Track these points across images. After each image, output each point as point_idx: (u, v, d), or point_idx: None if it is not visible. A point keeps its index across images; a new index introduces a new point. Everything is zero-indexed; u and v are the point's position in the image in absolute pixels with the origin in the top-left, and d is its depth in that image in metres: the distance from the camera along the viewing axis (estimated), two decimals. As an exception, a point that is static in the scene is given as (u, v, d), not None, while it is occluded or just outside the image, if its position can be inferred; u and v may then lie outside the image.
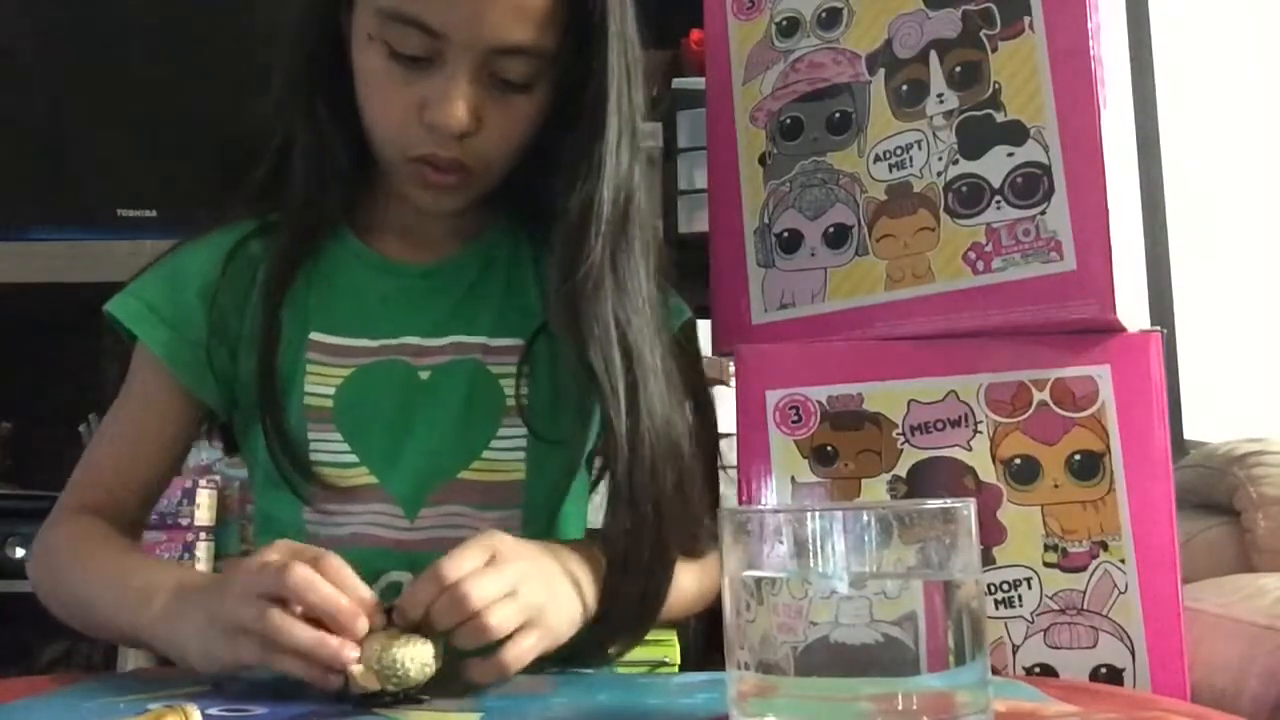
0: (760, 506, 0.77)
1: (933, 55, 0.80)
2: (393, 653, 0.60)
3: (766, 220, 0.84)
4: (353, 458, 0.80)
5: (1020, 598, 0.74)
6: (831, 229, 0.82)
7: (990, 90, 0.77)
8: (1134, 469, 0.73)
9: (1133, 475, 0.73)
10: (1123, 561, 0.73)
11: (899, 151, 0.80)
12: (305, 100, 0.81)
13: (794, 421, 0.79)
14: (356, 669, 0.60)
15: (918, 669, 0.47)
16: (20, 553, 1.60)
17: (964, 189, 0.78)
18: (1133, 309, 0.77)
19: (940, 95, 0.79)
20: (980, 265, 0.77)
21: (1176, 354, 1.85)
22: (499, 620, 0.63)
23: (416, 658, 0.60)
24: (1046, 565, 0.74)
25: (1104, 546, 0.73)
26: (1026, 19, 0.77)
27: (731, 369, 0.85)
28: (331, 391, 0.81)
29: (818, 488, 0.78)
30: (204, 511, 1.58)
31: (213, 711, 0.57)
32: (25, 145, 1.75)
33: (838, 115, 0.83)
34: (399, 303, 0.83)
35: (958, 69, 0.79)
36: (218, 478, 1.62)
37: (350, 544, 0.77)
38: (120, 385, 0.84)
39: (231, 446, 0.90)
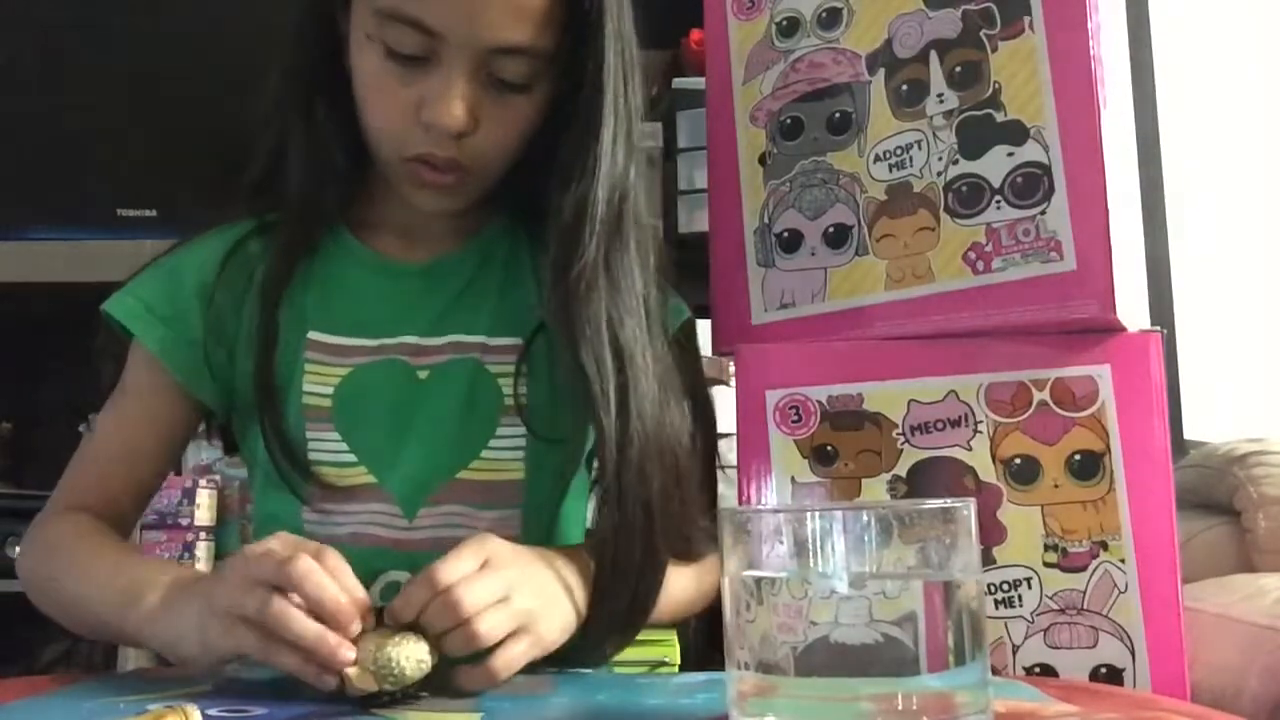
0: (760, 506, 0.77)
1: (933, 55, 0.80)
2: (387, 652, 0.60)
3: (766, 220, 0.84)
4: (351, 457, 0.80)
5: (1020, 598, 0.74)
6: (831, 229, 0.82)
7: (990, 90, 0.77)
8: (1134, 469, 0.73)
9: (1133, 475, 0.73)
10: (1123, 561, 0.73)
11: (899, 151, 0.80)
12: (303, 100, 0.81)
13: (794, 421, 0.79)
14: (352, 671, 0.59)
15: (917, 669, 0.47)
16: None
17: (964, 189, 0.78)
18: (1133, 309, 0.77)
19: (940, 95, 0.79)
20: (980, 265, 0.77)
21: (1176, 354, 1.85)
22: (488, 627, 0.63)
23: (411, 655, 0.60)
24: (1046, 565, 0.74)
25: (1104, 546, 0.73)
26: (1026, 19, 0.77)
27: (731, 369, 0.85)
28: (330, 391, 0.81)
29: (818, 488, 0.78)
30: (204, 511, 1.58)
31: (213, 712, 0.57)
32: (25, 145, 1.75)
33: (838, 115, 0.83)
34: (397, 302, 0.83)
35: (958, 69, 0.79)
36: (218, 478, 1.62)
37: (349, 543, 0.77)
38: (116, 385, 0.84)
39: (231, 446, 0.90)
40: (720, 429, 0.87)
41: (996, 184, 0.77)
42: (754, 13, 0.87)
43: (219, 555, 1.59)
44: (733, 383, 0.82)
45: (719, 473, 0.89)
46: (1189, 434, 1.79)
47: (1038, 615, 0.74)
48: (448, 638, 0.63)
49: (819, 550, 0.48)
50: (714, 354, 0.89)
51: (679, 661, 1.38)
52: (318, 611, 0.60)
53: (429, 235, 0.86)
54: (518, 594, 0.66)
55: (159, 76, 1.74)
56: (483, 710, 0.60)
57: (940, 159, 0.78)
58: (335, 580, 0.61)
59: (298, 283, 0.82)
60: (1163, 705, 0.62)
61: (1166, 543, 0.73)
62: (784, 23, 0.86)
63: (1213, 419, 1.81)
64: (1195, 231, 1.93)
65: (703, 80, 0.90)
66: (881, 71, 0.81)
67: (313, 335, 0.81)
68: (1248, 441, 1.48)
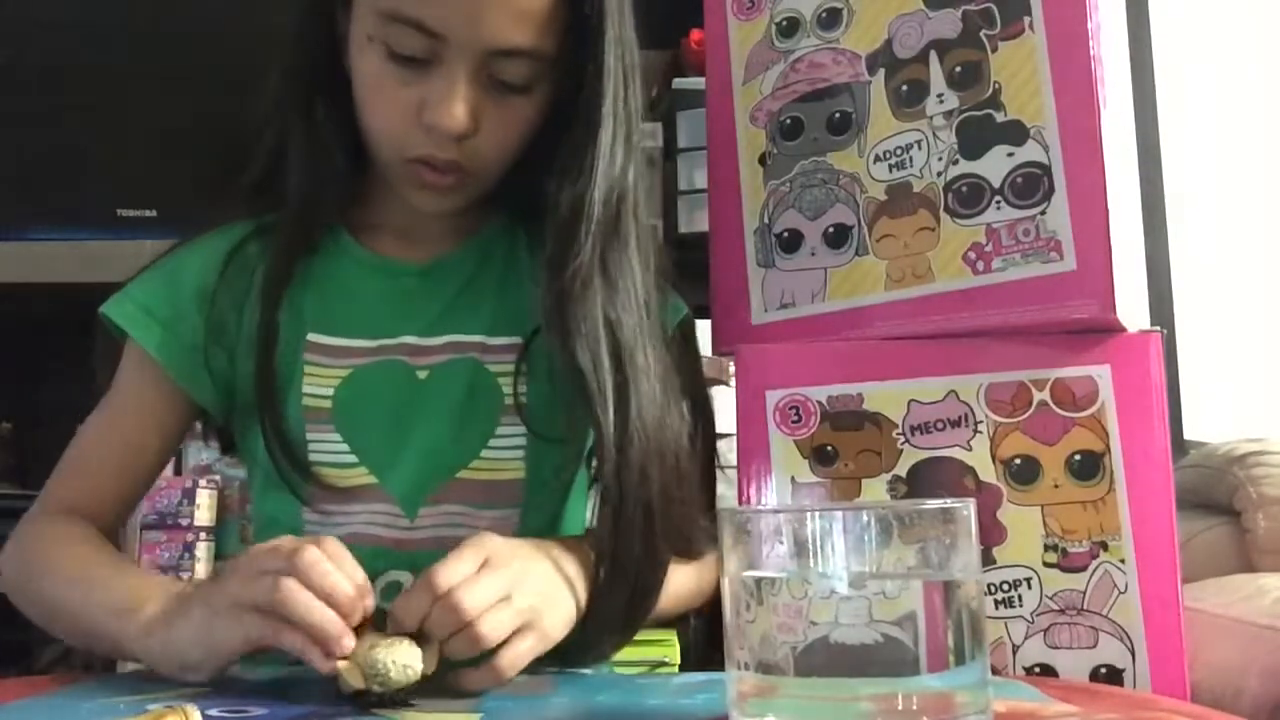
0: (760, 507, 0.77)
1: (933, 55, 0.80)
2: (376, 654, 0.60)
3: (766, 220, 0.84)
4: (351, 458, 0.80)
5: (1020, 598, 0.74)
6: (831, 229, 0.82)
7: (990, 90, 0.77)
8: (1134, 469, 0.73)
9: (1133, 475, 0.73)
10: (1123, 561, 0.73)
11: (899, 151, 0.80)
12: (303, 100, 0.81)
13: (794, 421, 0.79)
14: (343, 664, 0.60)
15: (917, 669, 0.47)
16: (19, 553, 1.60)
17: (964, 189, 0.78)
18: (1133, 309, 0.77)
19: (940, 95, 0.79)
20: (980, 265, 0.77)
21: (1176, 354, 1.85)
22: (491, 628, 0.63)
23: (398, 660, 0.60)
24: (1046, 565, 0.74)
25: (1104, 546, 0.73)
26: (1026, 19, 0.77)
27: (731, 369, 0.85)
28: (330, 392, 0.81)
29: (818, 488, 0.78)
30: (204, 511, 1.58)
31: (213, 712, 0.57)
32: (25, 145, 1.75)
33: (838, 115, 0.83)
34: (396, 302, 0.83)
35: (958, 69, 0.79)
36: (218, 478, 1.62)
37: (350, 544, 0.76)
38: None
39: (227, 446, 0.90)
40: (720, 429, 0.87)
41: (996, 184, 0.77)
42: (754, 13, 0.87)
43: (219, 555, 1.59)
44: (733, 383, 0.82)
45: (719, 473, 0.89)
46: (1189, 434, 1.79)
47: (1038, 615, 0.74)
48: (451, 641, 0.63)
49: (819, 550, 0.48)
50: (714, 354, 0.89)
51: (679, 661, 1.38)
52: (324, 598, 0.61)
53: (428, 235, 0.86)
54: (519, 591, 0.66)
55: (159, 76, 1.73)
56: (483, 710, 0.60)
57: (940, 159, 0.78)
58: (338, 567, 0.62)
59: (297, 283, 0.82)
60: (1162, 705, 0.62)
61: (1166, 543, 0.73)
62: (784, 23, 0.86)
63: (1213, 419, 1.81)
64: (1195, 232, 1.93)
65: (703, 80, 0.90)
66: (881, 72, 0.81)
67: (312, 336, 0.81)
68: (1247, 441, 1.48)
